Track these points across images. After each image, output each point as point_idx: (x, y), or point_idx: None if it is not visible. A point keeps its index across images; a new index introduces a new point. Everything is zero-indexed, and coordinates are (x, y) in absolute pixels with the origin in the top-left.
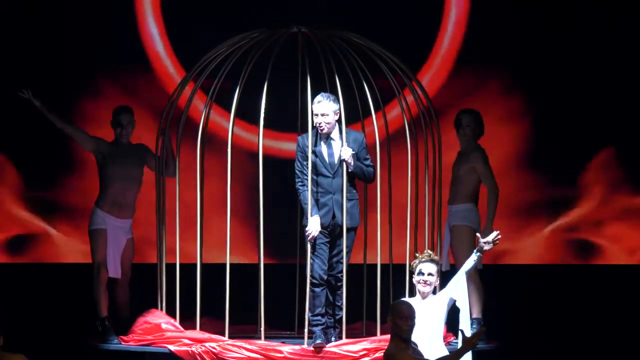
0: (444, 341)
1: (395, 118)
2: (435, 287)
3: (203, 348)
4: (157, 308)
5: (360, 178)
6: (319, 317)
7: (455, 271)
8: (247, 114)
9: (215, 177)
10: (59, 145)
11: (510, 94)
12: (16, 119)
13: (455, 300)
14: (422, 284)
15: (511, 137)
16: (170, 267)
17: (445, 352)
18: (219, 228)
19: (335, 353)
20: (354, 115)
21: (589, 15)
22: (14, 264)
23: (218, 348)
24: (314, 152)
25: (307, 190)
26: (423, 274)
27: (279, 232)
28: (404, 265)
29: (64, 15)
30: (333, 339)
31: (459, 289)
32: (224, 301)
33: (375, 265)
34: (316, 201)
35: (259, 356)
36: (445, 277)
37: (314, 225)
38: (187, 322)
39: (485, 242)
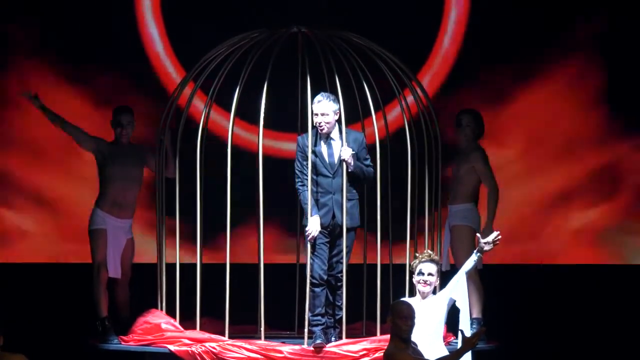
0: (444, 341)
1: (395, 118)
2: (435, 287)
3: (203, 348)
4: (157, 308)
5: (360, 178)
6: (319, 317)
7: (455, 271)
8: (247, 114)
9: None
10: None
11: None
12: None
13: (455, 301)
14: (422, 284)
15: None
16: (171, 267)
17: (445, 352)
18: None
19: (335, 353)
20: (354, 115)
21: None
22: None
23: (218, 348)
24: (313, 152)
25: (307, 190)
26: (423, 274)
27: (279, 232)
28: (404, 265)
29: (64, 15)
30: (333, 339)
31: (459, 289)
32: (224, 301)
33: (375, 265)
34: (316, 201)
35: (259, 356)
36: (445, 277)
37: (313, 225)
38: (187, 322)
39: (485, 243)
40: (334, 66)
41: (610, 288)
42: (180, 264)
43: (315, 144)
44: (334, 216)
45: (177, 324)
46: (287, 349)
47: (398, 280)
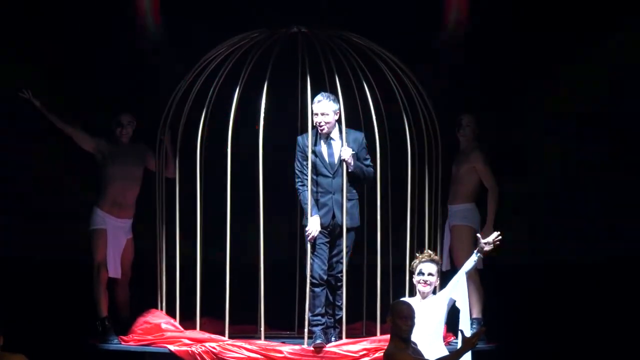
0: (444, 341)
1: (395, 118)
2: (435, 287)
3: (203, 348)
4: (157, 308)
5: (360, 178)
6: (319, 317)
7: (456, 271)
8: (247, 114)
9: None
10: None
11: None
12: None
13: (455, 301)
14: (422, 284)
15: None
16: (170, 267)
17: (445, 352)
18: None
19: (335, 353)
20: (354, 115)
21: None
22: None
23: (218, 348)
24: (313, 152)
25: (307, 190)
26: (423, 274)
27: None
28: (404, 265)
29: (64, 15)
30: (333, 339)
31: (459, 289)
32: (224, 301)
33: (375, 265)
34: (316, 201)
35: (259, 356)
36: (445, 277)
37: (313, 225)
38: (187, 322)
39: (485, 243)
40: (334, 66)
41: (611, 288)
42: (180, 264)
43: (315, 144)
44: (334, 216)
45: (177, 324)
46: (287, 349)
47: (398, 280)
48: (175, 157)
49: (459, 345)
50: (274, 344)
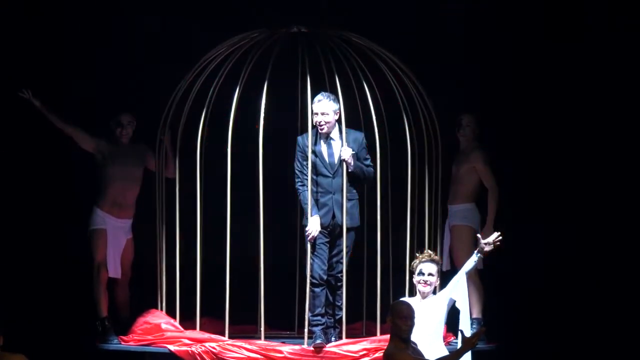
0: (444, 341)
1: (395, 118)
2: (435, 287)
3: (203, 348)
4: (157, 308)
5: (360, 178)
6: (319, 317)
7: (456, 271)
8: (247, 114)
9: None
10: None
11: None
12: None
13: (455, 301)
14: (423, 284)
15: None
16: (170, 267)
17: (445, 352)
18: None
19: (335, 353)
20: (354, 115)
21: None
22: None
23: (218, 348)
24: (313, 152)
25: (307, 190)
26: (423, 274)
27: (279, 232)
28: (404, 265)
29: (64, 15)
30: (333, 339)
31: (459, 289)
32: (224, 301)
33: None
34: (316, 201)
35: (259, 356)
36: (445, 277)
37: (313, 225)
38: (187, 322)
39: (486, 243)
40: (334, 66)
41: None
42: (180, 264)
43: (315, 144)
44: (334, 216)
45: (177, 324)
46: (287, 349)
47: (398, 280)
48: (175, 157)
49: (459, 345)
50: (274, 344)
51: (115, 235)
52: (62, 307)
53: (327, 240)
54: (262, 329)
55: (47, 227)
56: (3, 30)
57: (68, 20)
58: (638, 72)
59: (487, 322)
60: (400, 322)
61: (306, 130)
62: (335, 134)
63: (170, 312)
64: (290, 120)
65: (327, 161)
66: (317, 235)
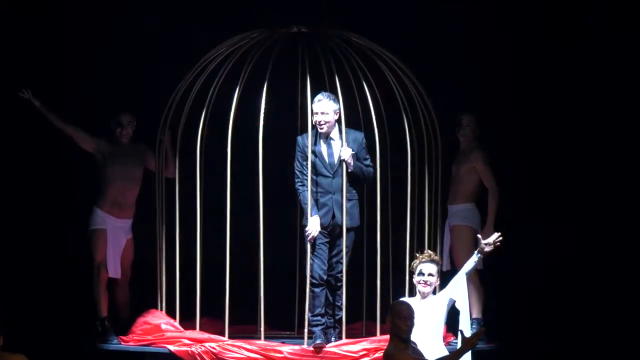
0: (444, 341)
1: (395, 118)
2: (435, 288)
3: (203, 348)
4: (157, 308)
5: (359, 178)
6: (319, 317)
7: (456, 271)
8: (247, 114)
9: None
10: None
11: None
12: None
13: (455, 301)
14: (423, 284)
15: None
16: (170, 267)
17: (445, 352)
18: None
19: (335, 353)
20: (354, 115)
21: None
22: None
23: (218, 348)
24: (313, 152)
25: (307, 190)
26: (423, 274)
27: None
28: (404, 265)
29: (64, 15)
30: (333, 339)
31: (459, 289)
32: (224, 301)
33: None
34: (316, 201)
35: (258, 356)
36: (445, 277)
37: (313, 226)
38: (187, 322)
39: (486, 244)
40: (334, 66)
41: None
42: (180, 264)
43: (315, 144)
44: (333, 216)
45: (177, 324)
46: (287, 349)
47: (398, 280)
48: (175, 157)
49: (459, 345)
50: (273, 344)
51: (115, 235)
52: (62, 307)
53: (327, 240)
54: (262, 329)
55: (47, 227)
56: (3, 30)
57: (68, 20)
58: (638, 72)
59: (487, 322)
60: (400, 322)
61: (306, 130)
62: (335, 134)
63: (170, 312)
64: (290, 120)
65: (327, 161)
66: (317, 235)
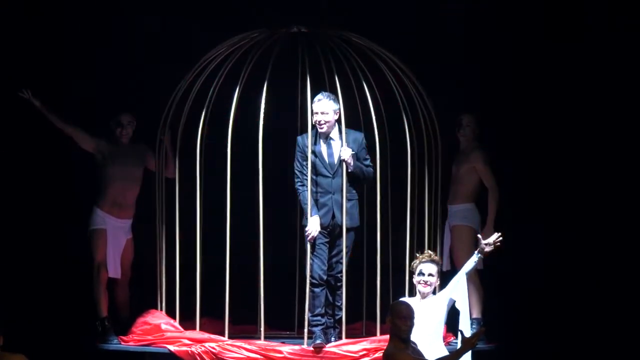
0: (444, 341)
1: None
2: (435, 288)
3: (203, 348)
4: (157, 308)
5: (359, 178)
6: (319, 317)
7: (456, 271)
8: (247, 114)
9: None
10: None
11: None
12: None
13: (455, 301)
14: (423, 285)
15: None
16: (170, 267)
17: (445, 352)
18: None
19: (335, 353)
20: (354, 115)
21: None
22: None
23: (218, 348)
24: (313, 152)
25: (307, 191)
26: (423, 274)
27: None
28: (404, 265)
29: (64, 15)
30: (333, 339)
31: (459, 289)
32: (224, 301)
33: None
34: (316, 201)
35: (258, 356)
36: (445, 277)
37: (313, 226)
38: (187, 322)
39: (486, 244)
40: (334, 66)
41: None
42: (180, 264)
43: (315, 144)
44: (333, 216)
45: (177, 324)
46: (287, 349)
47: (398, 280)
48: (175, 157)
49: (459, 345)
50: (273, 344)
51: (115, 235)
52: (62, 307)
53: (327, 240)
54: (262, 329)
55: (47, 227)
56: (3, 30)
57: (68, 20)
58: (638, 72)
59: (487, 322)
60: (399, 322)
61: (306, 130)
62: (335, 134)
63: (170, 312)
64: (290, 120)
65: (327, 161)
66: (317, 235)
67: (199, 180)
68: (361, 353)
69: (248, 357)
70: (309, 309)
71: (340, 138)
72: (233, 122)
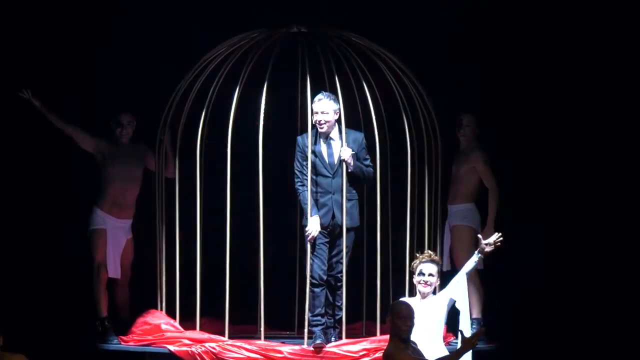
0: (444, 341)
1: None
2: (435, 288)
3: (203, 348)
4: (157, 308)
5: (359, 178)
6: (319, 317)
7: (456, 271)
8: (247, 114)
9: None
10: None
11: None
12: None
13: (455, 301)
14: (423, 285)
15: None
16: (170, 267)
17: (445, 352)
18: None
19: (335, 353)
20: (354, 115)
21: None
22: None
23: (218, 348)
24: (313, 152)
25: (307, 191)
26: (423, 274)
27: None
28: (404, 265)
29: (64, 15)
30: (333, 339)
31: (459, 289)
32: (224, 301)
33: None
34: (316, 201)
35: (258, 356)
36: (445, 277)
37: (313, 226)
38: (187, 322)
39: (486, 244)
40: (334, 66)
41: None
42: (180, 264)
43: (315, 144)
44: (333, 216)
45: (177, 324)
46: (287, 349)
47: (398, 280)
48: (175, 157)
49: (459, 345)
50: (273, 344)
51: (115, 235)
52: (62, 307)
53: (327, 240)
54: (262, 329)
55: (47, 227)
56: (3, 30)
57: (68, 20)
58: (638, 72)
59: (487, 322)
60: (399, 322)
61: (306, 130)
62: (335, 134)
63: (170, 312)
64: (290, 120)
65: (327, 161)
66: (317, 235)
67: (199, 180)
68: (361, 353)
69: (248, 357)
70: (309, 309)
71: (340, 138)
72: (233, 122)
